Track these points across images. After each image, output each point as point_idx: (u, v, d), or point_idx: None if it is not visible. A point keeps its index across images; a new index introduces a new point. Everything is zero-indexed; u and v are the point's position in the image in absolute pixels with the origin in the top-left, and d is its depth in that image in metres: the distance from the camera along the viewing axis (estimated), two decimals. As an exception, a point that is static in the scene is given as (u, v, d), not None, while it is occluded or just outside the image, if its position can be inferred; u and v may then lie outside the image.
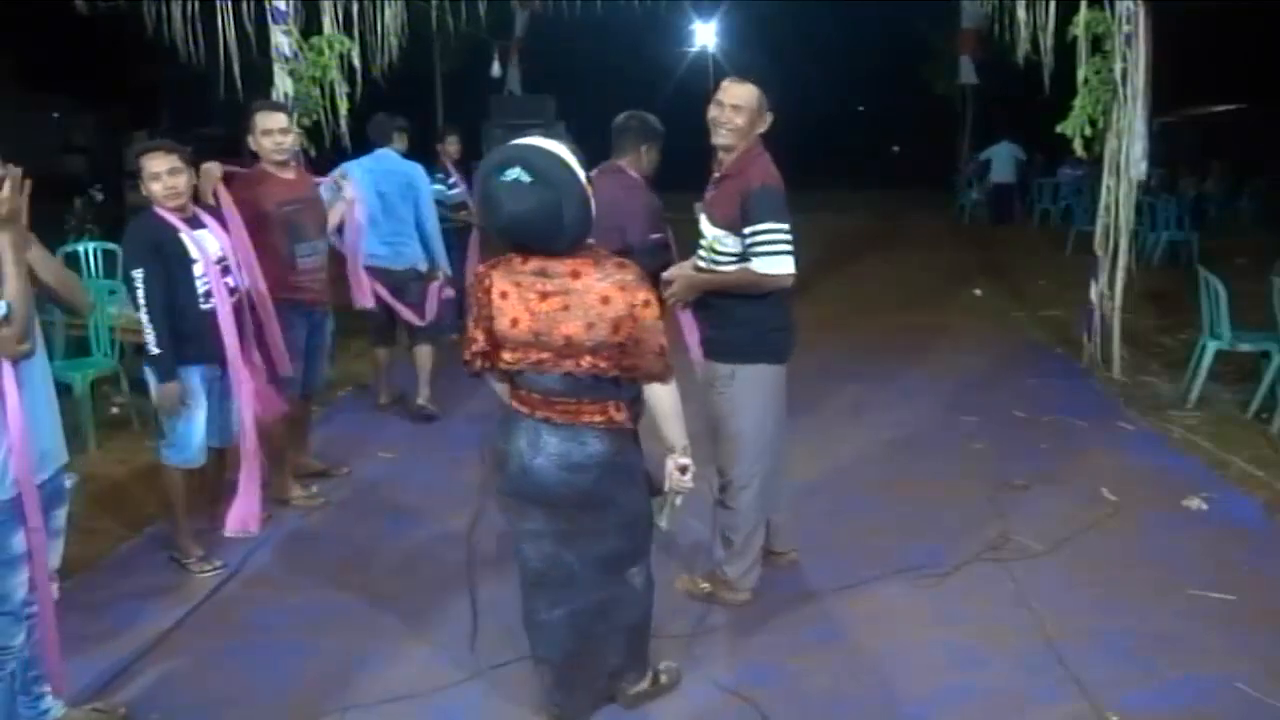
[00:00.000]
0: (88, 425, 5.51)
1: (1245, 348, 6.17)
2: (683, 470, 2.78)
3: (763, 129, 3.56)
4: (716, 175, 3.63)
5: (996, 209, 16.88)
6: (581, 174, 2.59)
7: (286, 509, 4.72)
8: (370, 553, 4.32)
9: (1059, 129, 6.71)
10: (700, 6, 18.61)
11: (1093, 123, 6.60)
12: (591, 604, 2.87)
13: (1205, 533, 4.43)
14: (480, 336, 2.75)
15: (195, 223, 3.96)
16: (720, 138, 3.54)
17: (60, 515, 2.89)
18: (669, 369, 2.72)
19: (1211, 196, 15.11)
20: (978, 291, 10.44)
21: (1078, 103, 6.59)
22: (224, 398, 4.13)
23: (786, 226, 3.42)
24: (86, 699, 3.21)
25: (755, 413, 3.63)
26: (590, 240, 2.68)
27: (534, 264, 2.63)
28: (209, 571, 4.10)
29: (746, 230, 3.41)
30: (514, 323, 2.65)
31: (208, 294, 3.94)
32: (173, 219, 3.88)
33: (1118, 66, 6.52)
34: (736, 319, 3.57)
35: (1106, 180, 6.87)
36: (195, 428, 4.05)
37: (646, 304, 2.62)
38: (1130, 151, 6.65)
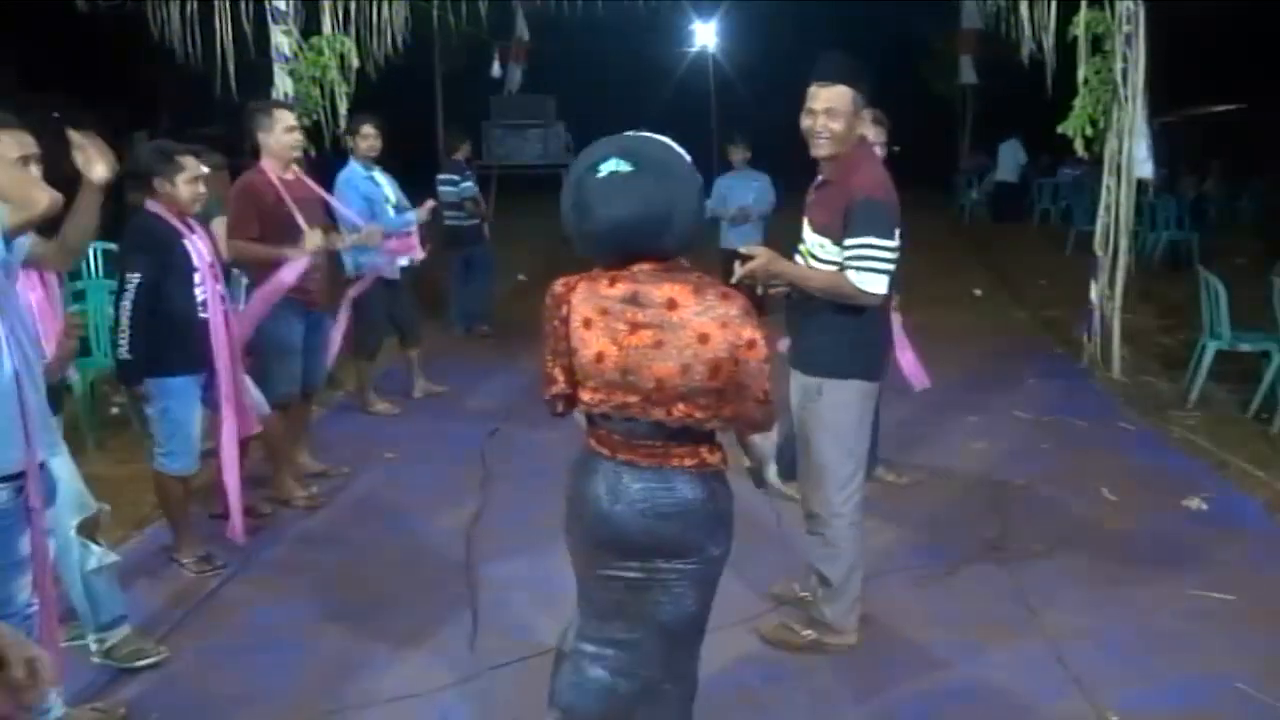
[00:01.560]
0: (87, 425, 5.51)
1: (1245, 348, 6.17)
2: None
3: (863, 129, 3.31)
4: (820, 179, 3.38)
5: (998, 207, 16.92)
6: (690, 161, 2.23)
7: (287, 509, 4.73)
8: (370, 553, 4.32)
9: (1060, 129, 6.72)
10: (700, 6, 18.58)
11: (1093, 123, 6.61)
12: (641, 682, 2.42)
13: (1205, 533, 4.43)
14: (560, 376, 2.33)
15: (188, 229, 3.94)
16: (818, 149, 3.24)
17: (49, 515, 2.89)
18: (772, 417, 2.34)
19: (1211, 196, 15.10)
20: (978, 291, 10.44)
21: (1078, 103, 6.60)
22: (217, 406, 4.09)
23: (890, 244, 3.17)
24: (86, 699, 3.21)
25: (843, 434, 3.32)
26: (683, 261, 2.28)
27: (623, 287, 2.23)
28: (208, 572, 4.10)
29: (847, 241, 3.16)
30: (599, 357, 2.24)
31: (204, 303, 3.91)
32: (176, 222, 3.86)
33: (1118, 66, 6.52)
34: (823, 326, 3.27)
35: (1106, 180, 6.88)
36: (191, 436, 4.03)
37: (751, 345, 2.21)
38: (1134, 151, 6.65)
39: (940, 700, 3.20)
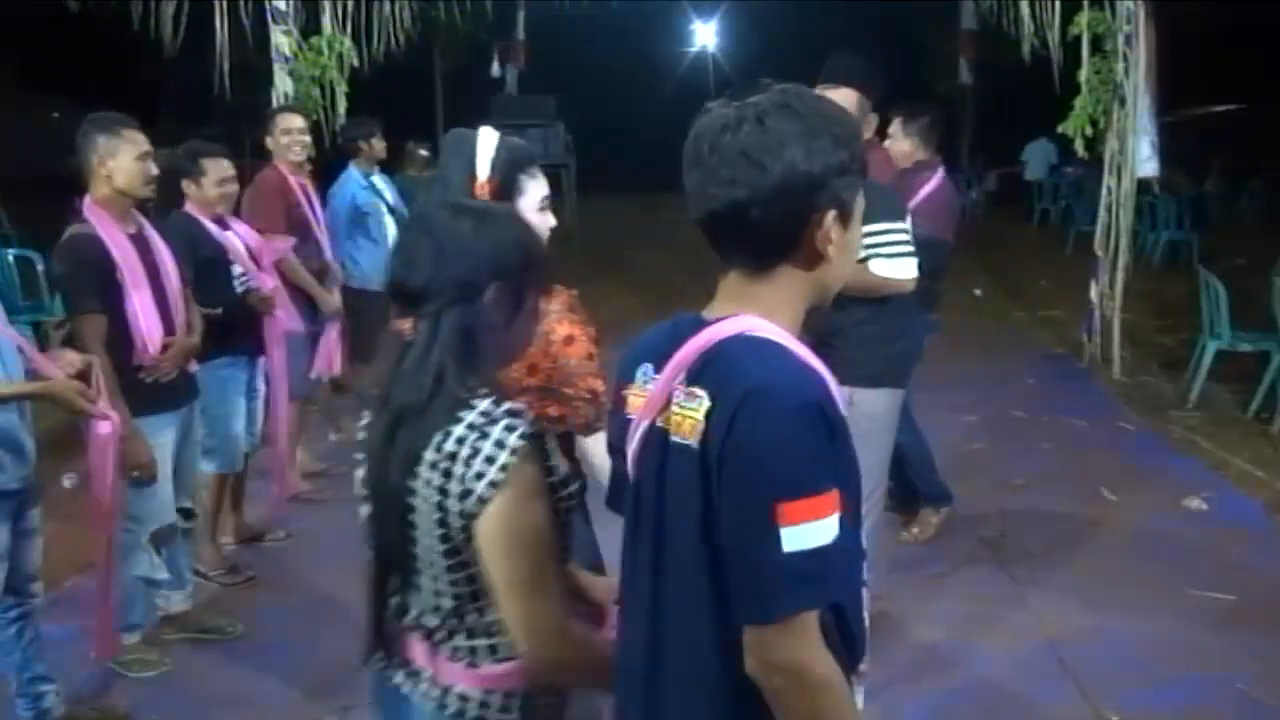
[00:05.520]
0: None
1: (1245, 348, 6.17)
2: None
3: (868, 134, 3.26)
4: None
5: (1031, 207, 16.85)
6: None
7: (287, 509, 4.72)
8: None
9: (1060, 129, 6.72)
10: (700, 6, 18.62)
11: (1093, 123, 6.60)
12: None
13: (1205, 533, 4.42)
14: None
15: (221, 225, 3.99)
16: None
17: (34, 516, 2.89)
18: (598, 418, 2.21)
19: (1211, 196, 15.10)
20: (978, 292, 10.43)
21: (1078, 103, 6.59)
22: (252, 397, 4.12)
23: (903, 226, 3.12)
24: (86, 699, 3.21)
25: (872, 443, 3.05)
26: None
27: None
28: (239, 583, 4.06)
29: (863, 229, 3.11)
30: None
31: (245, 293, 3.97)
32: (209, 222, 3.89)
33: (1118, 66, 6.52)
34: (851, 339, 3.12)
35: (1107, 180, 6.88)
36: (237, 431, 4.03)
37: (569, 341, 2.15)
38: (1136, 150, 6.65)
39: (940, 700, 3.20)
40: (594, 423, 2.25)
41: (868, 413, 3.07)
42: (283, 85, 6.48)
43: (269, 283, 4.05)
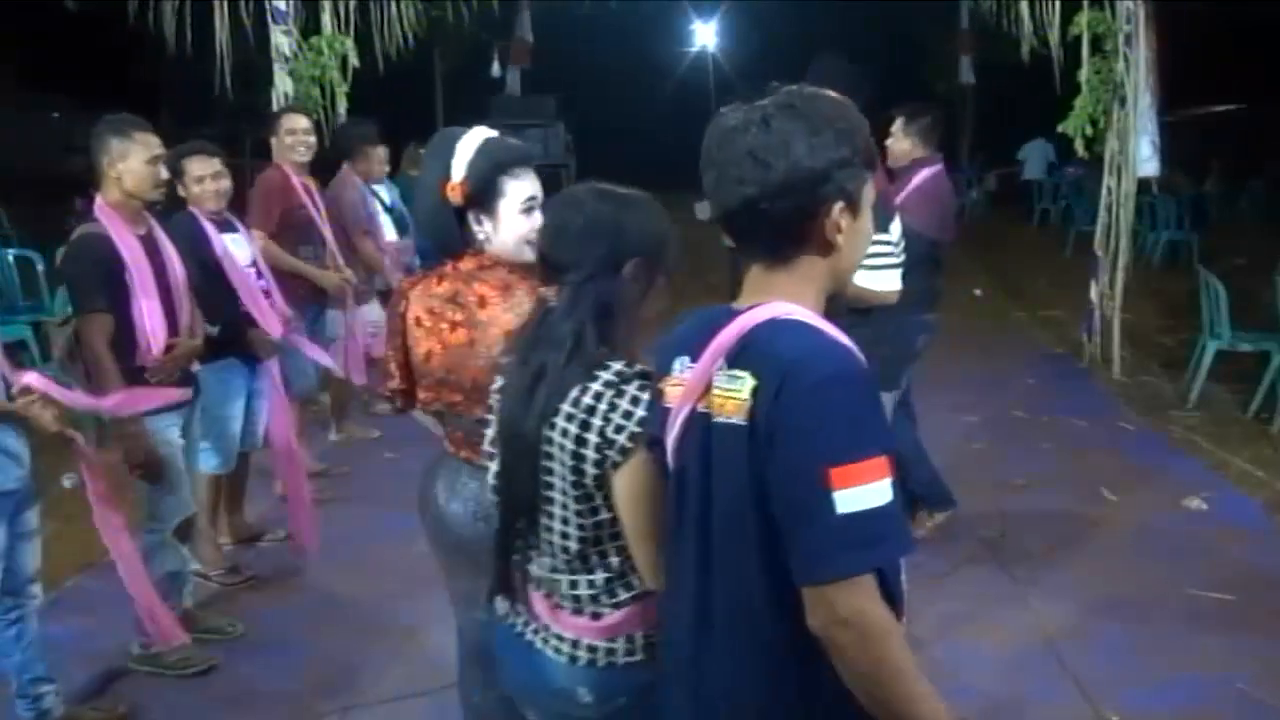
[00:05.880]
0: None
1: (1245, 348, 6.17)
2: None
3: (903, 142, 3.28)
4: None
5: (1029, 206, 16.86)
6: None
7: (287, 508, 4.72)
8: (370, 552, 4.32)
9: (1060, 129, 6.72)
10: (700, 6, 18.61)
11: (1093, 123, 6.60)
12: None
13: (1205, 533, 4.42)
14: (396, 371, 2.34)
15: (226, 226, 3.98)
16: None
17: (32, 517, 2.89)
18: None
19: (1212, 196, 15.10)
20: (978, 292, 10.43)
21: (1078, 103, 6.59)
22: (254, 399, 4.11)
23: (887, 238, 3.12)
24: (87, 698, 3.21)
25: None
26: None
27: (447, 286, 2.22)
28: (238, 584, 4.07)
29: None
30: (428, 356, 2.23)
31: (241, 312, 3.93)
32: (206, 222, 3.88)
33: (1119, 66, 6.52)
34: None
35: (1107, 180, 6.88)
36: (229, 434, 4.04)
37: None
38: (1136, 150, 6.65)
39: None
40: None
41: None
42: (283, 85, 6.48)
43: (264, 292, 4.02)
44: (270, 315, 3.96)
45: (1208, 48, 14.89)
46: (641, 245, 1.74)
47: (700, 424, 1.43)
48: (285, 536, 4.48)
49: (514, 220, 2.18)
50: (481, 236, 2.19)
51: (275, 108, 5.99)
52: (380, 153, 5.85)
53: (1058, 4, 6.75)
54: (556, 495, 1.70)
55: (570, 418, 1.64)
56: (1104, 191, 6.93)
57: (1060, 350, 7.89)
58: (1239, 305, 6.26)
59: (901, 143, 4.22)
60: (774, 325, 1.39)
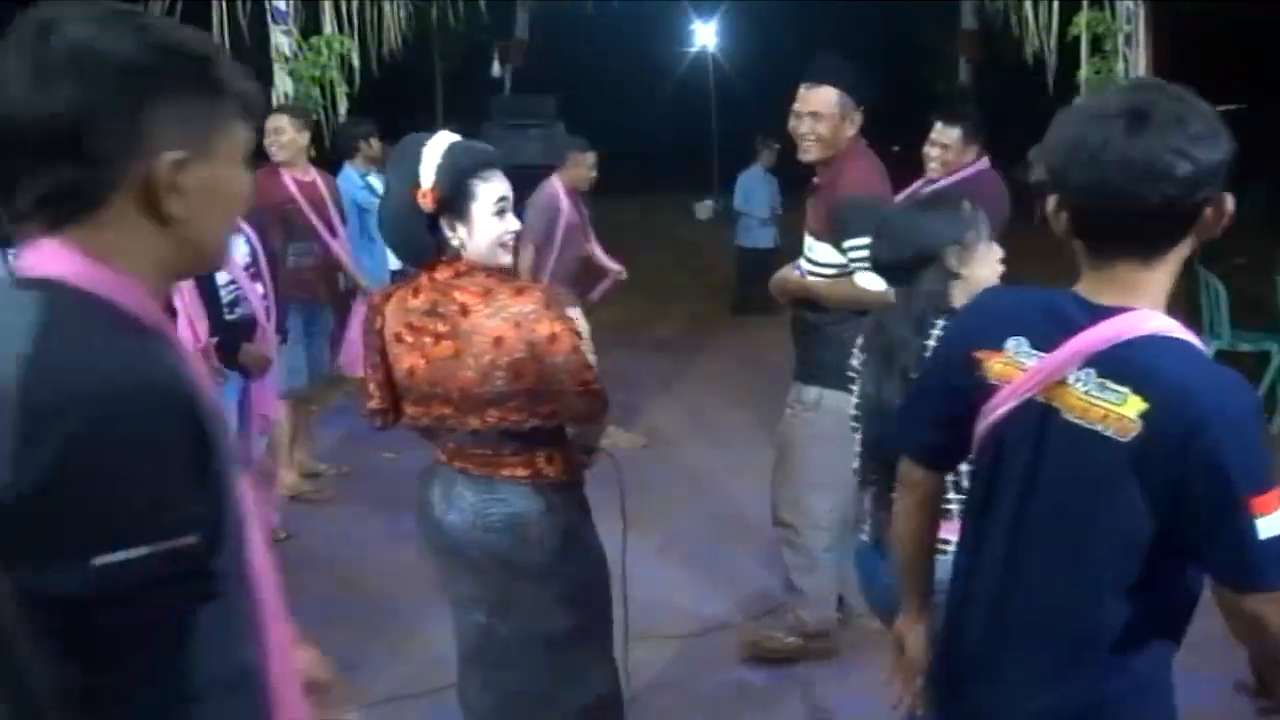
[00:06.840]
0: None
1: (1245, 348, 6.17)
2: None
3: (852, 131, 3.22)
4: (814, 182, 3.32)
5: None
6: None
7: (287, 508, 4.72)
8: (370, 553, 4.32)
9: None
10: (700, 6, 18.62)
11: (1093, 123, 6.59)
12: (531, 691, 2.34)
13: (1205, 533, 4.41)
14: (376, 391, 2.32)
15: None
16: (805, 153, 3.21)
17: None
18: (599, 406, 2.23)
19: (1211, 196, 15.12)
20: (978, 291, 10.42)
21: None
22: (245, 416, 4.02)
23: None
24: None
25: (838, 445, 3.13)
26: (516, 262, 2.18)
27: (424, 298, 2.18)
28: None
29: (845, 244, 3.09)
30: (411, 372, 2.21)
31: (233, 303, 3.83)
32: None
33: (1119, 67, 6.52)
34: (827, 337, 3.13)
35: (1107, 180, 6.86)
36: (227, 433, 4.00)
37: (553, 339, 2.11)
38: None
39: (940, 700, 3.19)
40: (594, 414, 2.26)
41: (836, 414, 2.91)
42: (283, 85, 6.48)
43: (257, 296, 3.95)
44: (268, 330, 3.94)
45: (1208, 48, 14.88)
46: (955, 234, 2.19)
47: (1039, 414, 1.44)
48: (286, 537, 4.50)
49: (487, 223, 2.16)
50: (456, 242, 2.16)
51: (274, 107, 6.00)
52: (375, 144, 6.00)
53: (1055, 4, 6.75)
54: None
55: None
56: (1104, 191, 6.91)
57: (1060, 350, 7.87)
58: (1239, 305, 6.26)
59: (942, 151, 4.28)
60: (1159, 344, 1.39)
